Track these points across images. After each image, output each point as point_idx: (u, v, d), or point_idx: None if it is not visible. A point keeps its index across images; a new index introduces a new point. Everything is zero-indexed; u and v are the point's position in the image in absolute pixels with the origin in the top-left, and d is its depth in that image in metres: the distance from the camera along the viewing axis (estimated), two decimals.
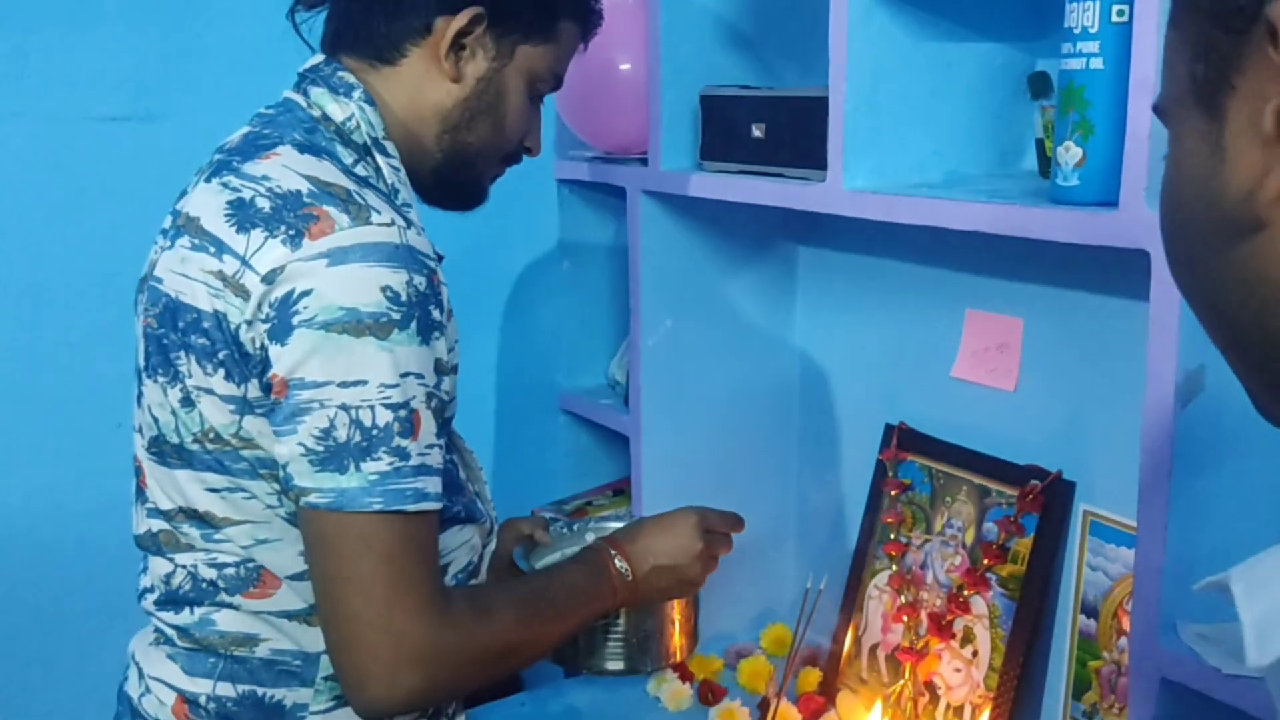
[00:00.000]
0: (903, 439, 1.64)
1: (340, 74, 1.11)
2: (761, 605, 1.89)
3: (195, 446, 1.03)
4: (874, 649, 1.65)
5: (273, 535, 1.05)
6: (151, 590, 1.12)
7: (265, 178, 1.01)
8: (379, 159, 1.09)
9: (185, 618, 1.09)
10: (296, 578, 1.06)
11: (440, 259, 1.05)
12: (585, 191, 1.99)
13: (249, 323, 0.97)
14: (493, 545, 1.22)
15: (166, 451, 1.06)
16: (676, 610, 1.35)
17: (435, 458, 1.00)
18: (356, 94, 1.10)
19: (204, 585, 1.07)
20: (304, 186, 1.00)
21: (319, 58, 1.14)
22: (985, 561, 1.49)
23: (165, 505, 1.08)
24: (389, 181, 1.09)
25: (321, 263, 0.95)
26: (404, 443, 0.96)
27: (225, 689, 1.08)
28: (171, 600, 1.10)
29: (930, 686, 1.54)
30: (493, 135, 1.17)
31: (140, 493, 1.12)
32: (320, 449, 0.95)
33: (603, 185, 1.88)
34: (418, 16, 1.11)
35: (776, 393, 1.85)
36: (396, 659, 0.96)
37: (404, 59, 1.12)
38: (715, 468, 1.79)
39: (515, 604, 1.10)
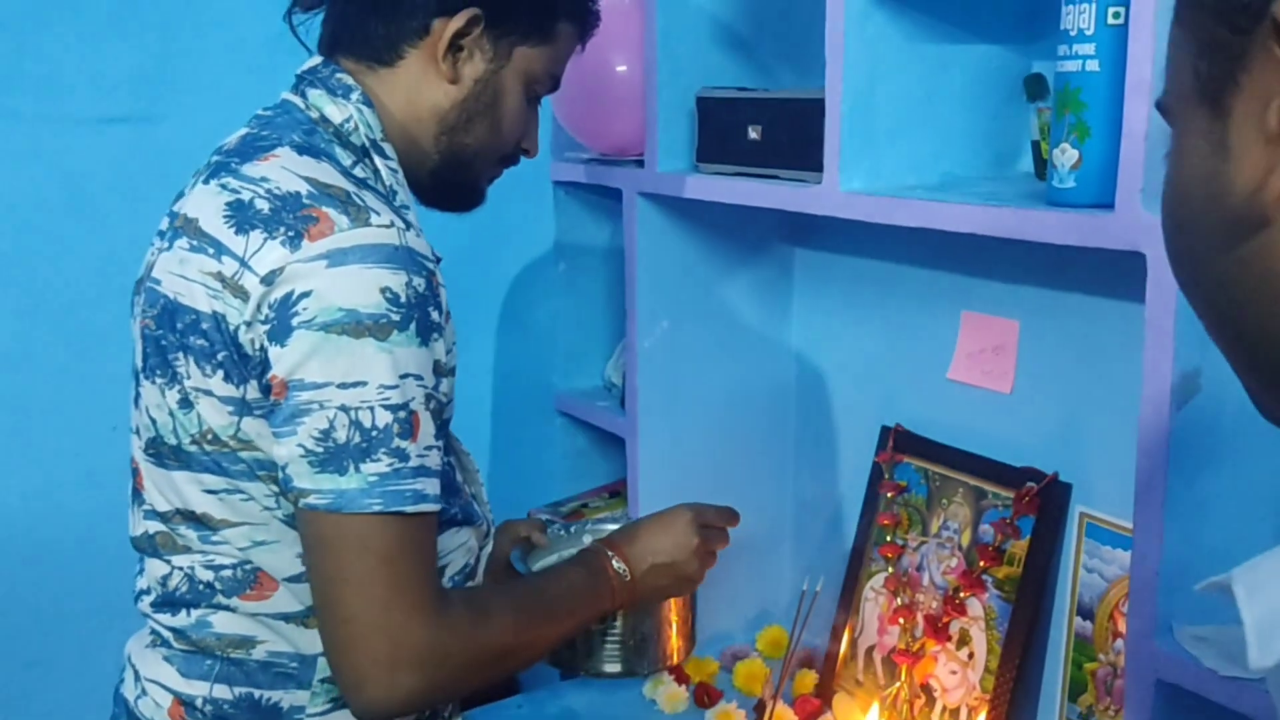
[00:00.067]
0: (899, 441, 1.64)
1: (338, 76, 1.11)
2: (758, 607, 1.89)
3: (193, 448, 1.03)
4: (870, 651, 1.65)
5: (270, 537, 1.05)
6: (148, 592, 1.12)
7: (264, 179, 1.01)
8: (377, 160, 1.10)
9: (182, 620, 1.09)
10: (294, 580, 1.06)
11: (438, 260, 1.05)
12: (581, 193, 1.99)
13: (248, 324, 0.97)
14: (489, 547, 1.22)
15: (164, 453, 1.06)
16: (674, 612, 1.35)
17: (434, 459, 1.00)
18: (354, 96, 1.10)
19: (201, 587, 1.07)
20: (303, 188, 1.00)
21: (317, 59, 1.14)
22: (981, 563, 1.49)
23: (162, 507, 1.08)
24: (387, 183, 1.09)
25: (321, 264, 0.95)
26: (403, 444, 0.96)
27: (222, 691, 1.07)
28: (168, 602, 1.09)
29: (926, 688, 1.54)
30: (490, 137, 1.17)
31: (137, 494, 1.12)
32: (319, 450, 0.95)
33: (599, 187, 1.88)
34: (415, 18, 1.11)
35: (773, 395, 1.85)
36: (395, 660, 0.96)
37: (402, 61, 1.12)
38: (711, 470, 1.79)
39: (514, 606, 1.10)
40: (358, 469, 0.95)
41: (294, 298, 0.95)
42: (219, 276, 0.99)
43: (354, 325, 0.94)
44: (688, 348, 1.76)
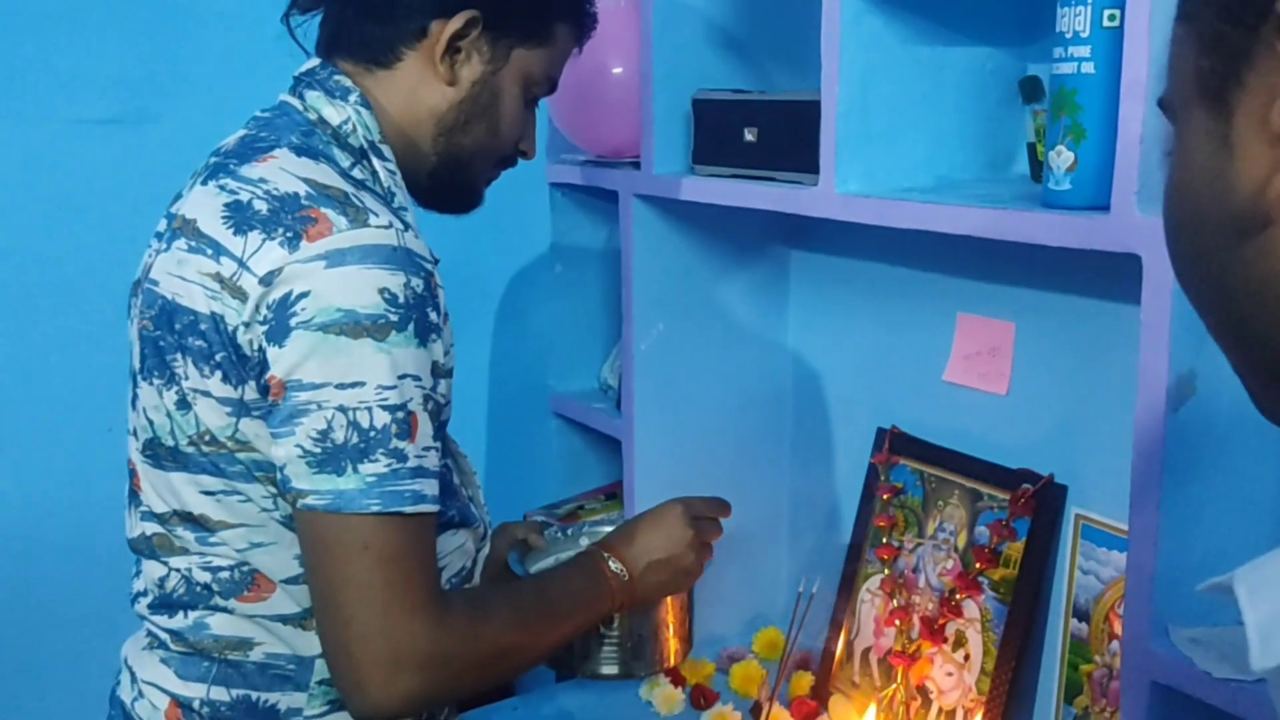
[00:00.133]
0: (895, 443, 1.64)
1: (336, 77, 1.11)
2: (754, 609, 1.89)
3: (191, 449, 1.03)
4: (866, 653, 1.65)
5: (268, 539, 1.05)
6: (145, 594, 1.12)
7: (263, 180, 1.01)
8: (375, 162, 1.10)
9: (179, 621, 1.08)
10: (291, 581, 1.05)
11: (436, 262, 1.05)
12: (577, 195, 1.99)
13: (246, 324, 0.97)
14: (486, 549, 1.22)
15: (161, 454, 1.06)
16: (670, 614, 1.35)
17: (432, 460, 1.00)
18: (353, 97, 1.10)
19: (198, 589, 1.07)
20: (302, 189, 1.00)
21: (314, 61, 1.14)
22: (977, 565, 1.49)
23: (159, 508, 1.08)
24: (385, 184, 1.09)
25: (319, 264, 0.95)
26: (401, 444, 0.96)
27: (219, 693, 1.07)
28: (165, 604, 1.09)
29: (922, 690, 1.55)
30: (488, 138, 1.17)
31: (134, 496, 1.12)
32: (318, 450, 0.95)
33: (595, 189, 1.88)
34: (413, 20, 1.11)
35: (769, 397, 1.85)
36: (394, 662, 0.96)
37: (399, 62, 1.12)
38: (707, 472, 1.79)
39: (514, 607, 1.10)
40: (356, 469, 0.95)
41: (292, 298, 0.95)
42: (217, 277, 0.99)
43: (352, 326, 0.94)
44: (684, 350, 1.76)
